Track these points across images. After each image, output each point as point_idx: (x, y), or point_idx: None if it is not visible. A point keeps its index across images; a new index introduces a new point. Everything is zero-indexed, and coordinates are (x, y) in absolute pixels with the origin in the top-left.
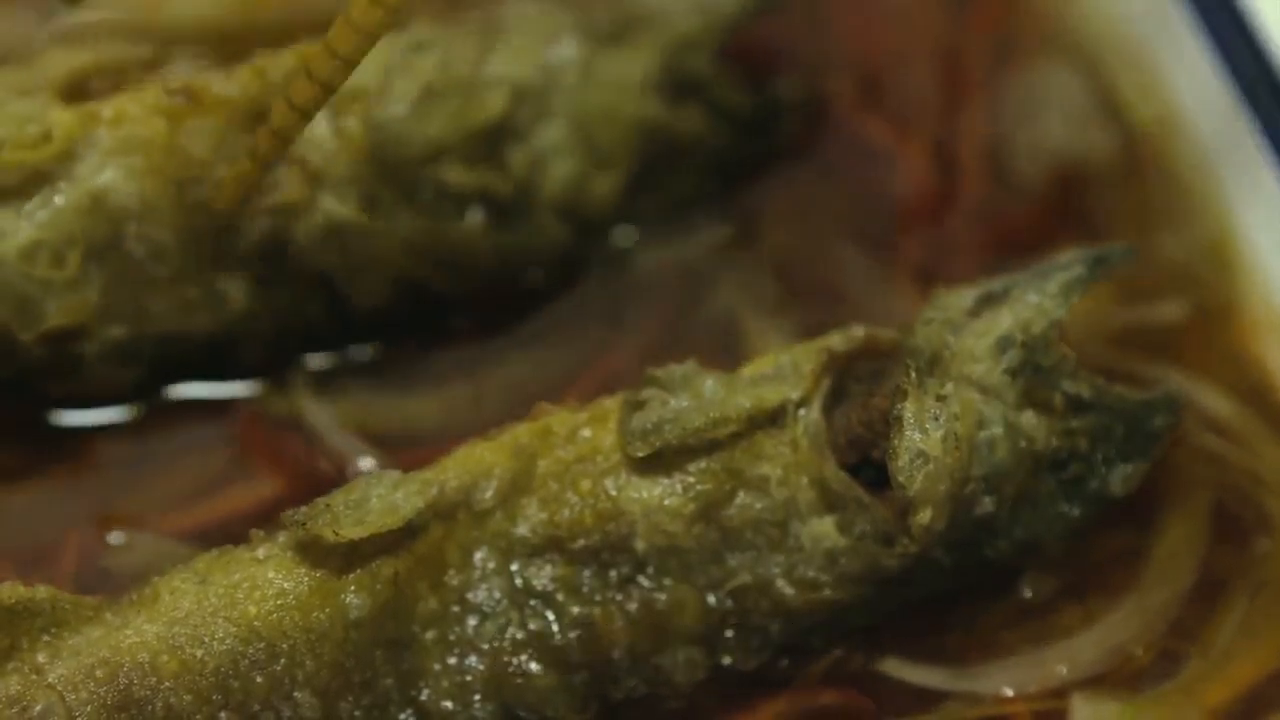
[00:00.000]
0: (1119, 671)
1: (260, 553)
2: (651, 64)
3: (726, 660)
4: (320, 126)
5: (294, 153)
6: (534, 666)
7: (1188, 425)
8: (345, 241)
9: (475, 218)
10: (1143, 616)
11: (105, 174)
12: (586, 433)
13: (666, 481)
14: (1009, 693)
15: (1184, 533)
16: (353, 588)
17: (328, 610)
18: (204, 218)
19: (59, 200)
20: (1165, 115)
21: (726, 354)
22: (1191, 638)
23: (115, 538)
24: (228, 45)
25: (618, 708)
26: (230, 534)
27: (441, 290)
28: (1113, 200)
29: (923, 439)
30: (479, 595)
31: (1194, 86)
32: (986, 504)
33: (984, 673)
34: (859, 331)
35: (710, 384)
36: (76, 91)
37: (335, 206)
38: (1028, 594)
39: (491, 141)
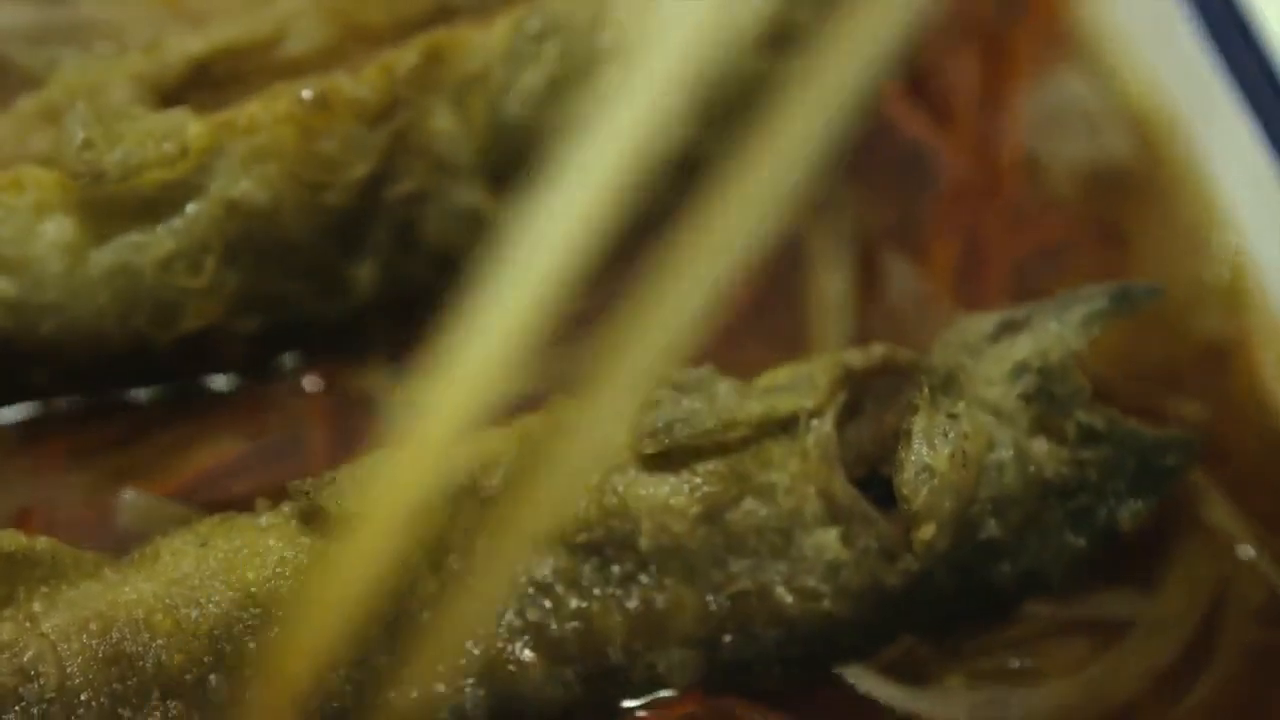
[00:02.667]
0: None
1: (263, 520)
2: (760, 16)
3: (722, 662)
4: (445, 116)
5: (419, 142)
6: (528, 655)
7: (1209, 491)
8: (472, 222)
9: None
10: (1115, 679)
11: (240, 183)
12: None
13: (674, 481)
14: None
15: (1181, 602)
16: None
17: None
18: (336, 214)
19: (195, 210)
20: (1174, 121)
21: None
22: (1164, 707)
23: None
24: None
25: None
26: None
27: None
28: (1137, 212)
29: (930, 454)
30: None
31: (1197, 89)
32: (992, 527)
33: (940, 696)
34: (878, 349)
35: (724, 388)
36: (199, 81)
37: (462, 192)
38: (1013, 628)
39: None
